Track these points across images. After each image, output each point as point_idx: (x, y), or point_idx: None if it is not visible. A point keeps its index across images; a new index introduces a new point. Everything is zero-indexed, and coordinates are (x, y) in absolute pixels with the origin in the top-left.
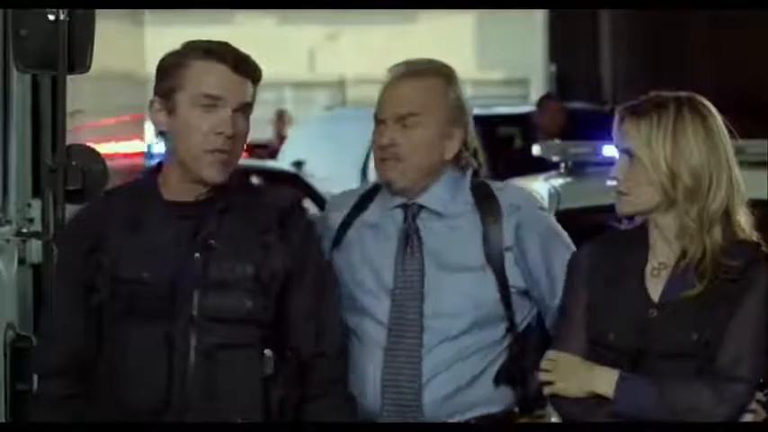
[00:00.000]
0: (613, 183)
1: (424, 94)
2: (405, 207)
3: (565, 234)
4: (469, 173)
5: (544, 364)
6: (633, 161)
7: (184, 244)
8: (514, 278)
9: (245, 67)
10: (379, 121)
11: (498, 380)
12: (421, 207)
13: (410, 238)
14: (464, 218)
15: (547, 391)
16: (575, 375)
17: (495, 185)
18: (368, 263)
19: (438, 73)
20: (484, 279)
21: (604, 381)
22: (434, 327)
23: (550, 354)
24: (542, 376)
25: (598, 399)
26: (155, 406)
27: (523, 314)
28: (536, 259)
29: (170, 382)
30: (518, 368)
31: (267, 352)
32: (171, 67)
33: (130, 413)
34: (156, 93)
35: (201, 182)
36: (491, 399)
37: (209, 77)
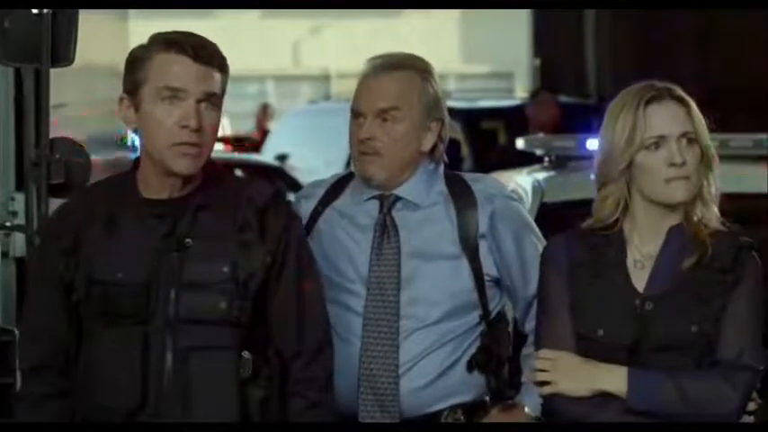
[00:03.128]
0: (675, 170)
1: (404, 87)
2: (380, 198)
3: (534, 224)
4: (442, 164)
5: (540, 363)
6: (691, 143)
7: (160, 243)
8: (488, 267)
9: (207, 56)
10: (357, 114)
11: (471, 367)
12: (397, 198)
13: (386, 229)
14: (439, 207)
15: (547, 390)
16: (578, 374)
17: (468, 176)
18: (341, 253)
19: (416, 66)
20: (459, 267)
21: (613, 378)
22: (411, 315)
23: (546, 353)
24: (540, 376)
25: (602, 396)
26: (130, 407)
27: (495, 303)
28: (509, 248)
29: (145, 384)
30: (491, 356)
31: (245, 354)
32: (135, 62)
33: (106, 414)
34: (124, 89)
35: (173, 175)
36: (465, 387)
37: (169, 69)
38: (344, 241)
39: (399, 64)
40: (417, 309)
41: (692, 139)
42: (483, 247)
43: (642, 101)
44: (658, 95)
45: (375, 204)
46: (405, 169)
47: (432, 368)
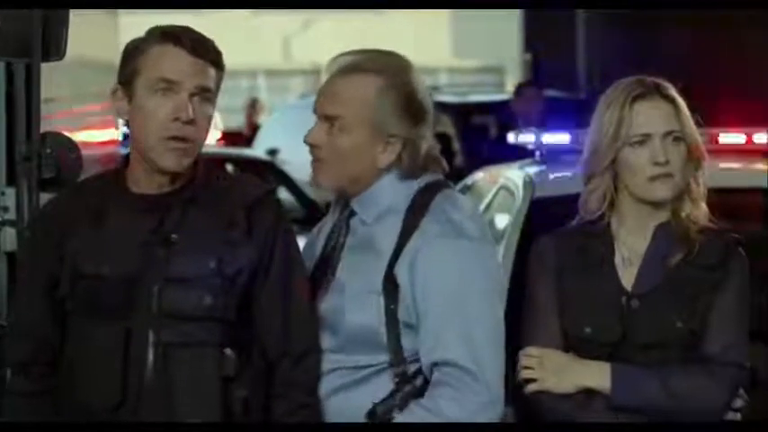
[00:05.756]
0: (659, 169)
1: (357, 95)
2: (345, 204)
3: (476, 285)
4: (428, 174)
5: (526, 361)
6: (676, 141)
7: (146, 238)
8: (402, 312)
9: (204, 50)
10: (314, 113)
11: (372, 419)
12: (353, 211)
13: (338, 237)
14: (388, 229)
15: (533, 387)
16: (565, 371)
17: (440, 200)
18: (314, 255)
19: (381, 70)
20: (370, 302)
21: (598, 374)
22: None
23: (531, 350)
24: (526, 374)
25: (588, 393)
26: (109, 403)
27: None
28: (418, 300)
29: (126, 380)
30: (400, 410)
31: (228, 351)
32: (131, 53)
33: (86, 410)
34: (118, 80)
35: (161, 171)
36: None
37: (164, 61)
38: (320, 237)
39: (361, 67)
40: (321, 333)
41: (678, 137)
42: (402, 289)
43: (629, 97)
44: (646, 92)
45: (341, 211)
46: (357, 181)
47: (323, 388)
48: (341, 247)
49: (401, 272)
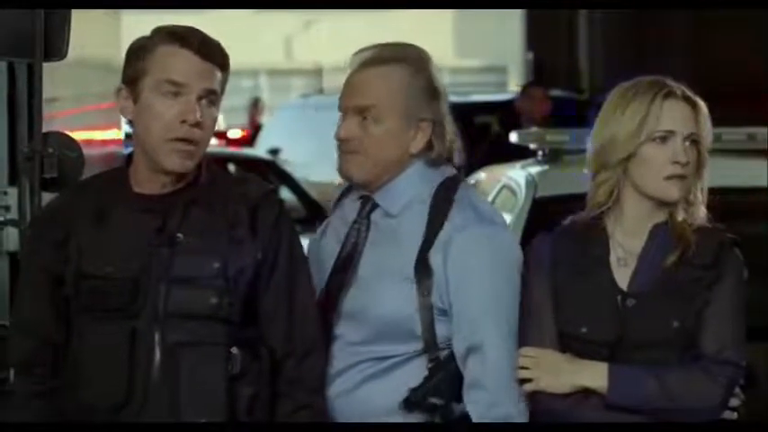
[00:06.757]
0: (677, 169)
1: (386, 84)
2: (364, 200)
3: (506, 271)
4: (448, 167)
5: (523, 361)
6: (693, 145)
7: (150, 238)
8: (436, 299)
9: (211, 53)
10: (340, 109)
11: (408, 406)
12: (376, 204)
13: (359, 233)
14: (414, 219)
15: (530, 387)
16: (561, 371)
17: (463, 191)
18: (325, 255)
19: (404, 59)
20: (402, 290)
21: (594, 374)
22: (339, 334)
23: (528, 350)
24: (523, 374)
25: (584, 392)
26: (114, 402)
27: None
28: (456, 290)
29: (132, 380)
30: (435, 395)
31: (234, 350)
32: (137, 52)
33: (91, 410)
34: (123, 79)
35: (165, 172)
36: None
37: (172, 63)
38: (331, 242)
39: (385, 58)
40: (346, 326)
41: (695, 140)
42: (436, 277)
43: (659, 94)
44: (672, 92)
45: (360, 205)
46: (389, 170)
47: (349, 381)
48: (363, 242)
49: (435, 260)
